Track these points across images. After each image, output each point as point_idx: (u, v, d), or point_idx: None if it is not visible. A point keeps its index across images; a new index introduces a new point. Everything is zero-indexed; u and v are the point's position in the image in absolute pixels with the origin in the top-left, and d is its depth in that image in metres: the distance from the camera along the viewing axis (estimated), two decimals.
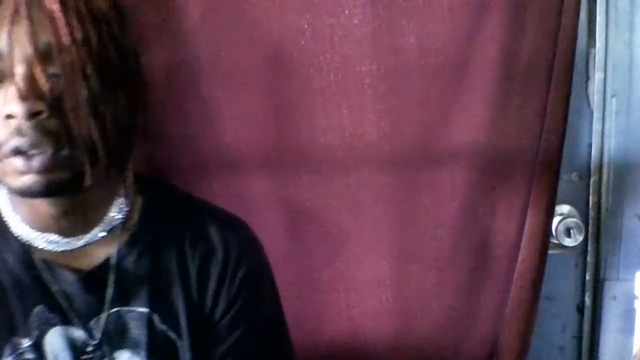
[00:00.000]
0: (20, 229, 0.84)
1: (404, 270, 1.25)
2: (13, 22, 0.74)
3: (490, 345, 1.31)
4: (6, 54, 0.74)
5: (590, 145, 1.38)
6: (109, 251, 0.86)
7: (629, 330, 1.37)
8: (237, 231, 0.94)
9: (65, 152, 0.76)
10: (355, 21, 1.15)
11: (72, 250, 0.84)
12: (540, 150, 1.22)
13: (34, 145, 0.74)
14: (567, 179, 1.38)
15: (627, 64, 1.35)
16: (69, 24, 0.74)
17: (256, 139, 1.19)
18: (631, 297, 1.35)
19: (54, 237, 0.83)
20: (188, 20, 1.14)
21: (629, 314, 1.37)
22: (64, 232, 0.83)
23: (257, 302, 0.93)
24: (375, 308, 1.26)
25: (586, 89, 1.37)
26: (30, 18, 0.74)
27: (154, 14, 1.13)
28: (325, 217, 1.23)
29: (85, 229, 0.84)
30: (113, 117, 0.78)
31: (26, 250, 0.84)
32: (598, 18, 1.32)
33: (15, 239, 0.84)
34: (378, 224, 1.23)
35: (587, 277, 1.42)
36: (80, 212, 0.83)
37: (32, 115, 0.73)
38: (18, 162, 0.75)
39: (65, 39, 0.74)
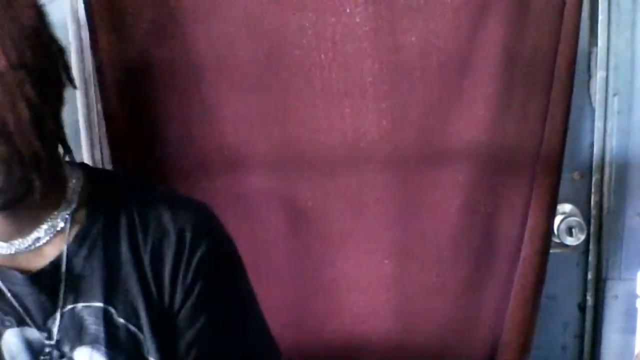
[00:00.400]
0: None
1: (405, 269, 1.25)
2: None
3: (491, 345, 1.31)
4: None
5: (592, 144, 1.38)
6: (60, 249, 0.85)
7: (630, 329, 1.37)
8: (192, 212, 0.88)
9: (17, 174, 0.75)
10: (357, 20, 1.15)
11: (20, 252, 0.83)
12: (542, 149, 1.22)
13: None
14: (569, 177, 1.37)
15: (629, 63, 1.34)
16: (3, 47, 0.73)
17: (257, 138, 1.19)
18: (633, 296, 1.35)
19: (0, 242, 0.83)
20: (189, 20, 1.14)
21: (631, 313, 1.37)
22: (10, 235, 0.83)
23: (219, 286, 0.88)
24: (377, 308, 1.25)
25: (588, 87, 1.36)
26: None
27: (156, 14, 1.13)
28: (326, 217, 1.22)
29: (31, 230, 0.84)
30: (53, 128, 0.79)
31: None
32: (600, 17, 1.32)
33: None
34: (379, 223, 1.23)
35: (589, 276, 1.42)
36: (25, 215, 0.83)
37: None
38: None
39: (3, 64, 0.73)
